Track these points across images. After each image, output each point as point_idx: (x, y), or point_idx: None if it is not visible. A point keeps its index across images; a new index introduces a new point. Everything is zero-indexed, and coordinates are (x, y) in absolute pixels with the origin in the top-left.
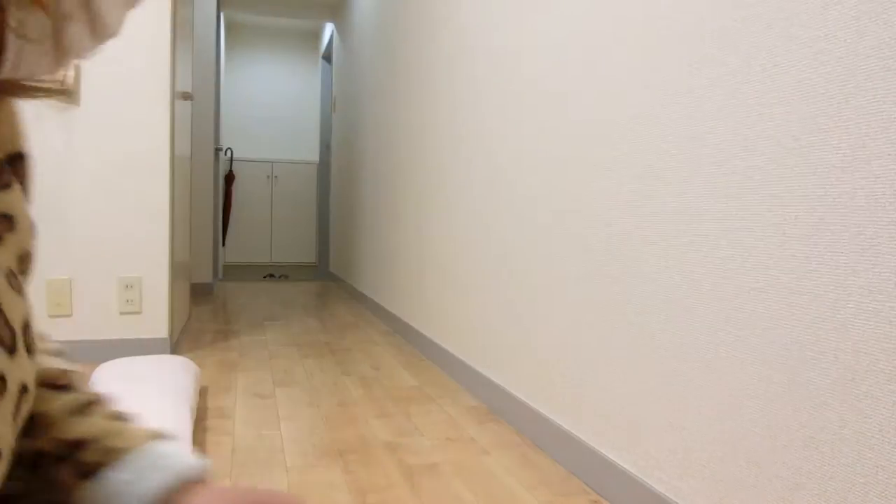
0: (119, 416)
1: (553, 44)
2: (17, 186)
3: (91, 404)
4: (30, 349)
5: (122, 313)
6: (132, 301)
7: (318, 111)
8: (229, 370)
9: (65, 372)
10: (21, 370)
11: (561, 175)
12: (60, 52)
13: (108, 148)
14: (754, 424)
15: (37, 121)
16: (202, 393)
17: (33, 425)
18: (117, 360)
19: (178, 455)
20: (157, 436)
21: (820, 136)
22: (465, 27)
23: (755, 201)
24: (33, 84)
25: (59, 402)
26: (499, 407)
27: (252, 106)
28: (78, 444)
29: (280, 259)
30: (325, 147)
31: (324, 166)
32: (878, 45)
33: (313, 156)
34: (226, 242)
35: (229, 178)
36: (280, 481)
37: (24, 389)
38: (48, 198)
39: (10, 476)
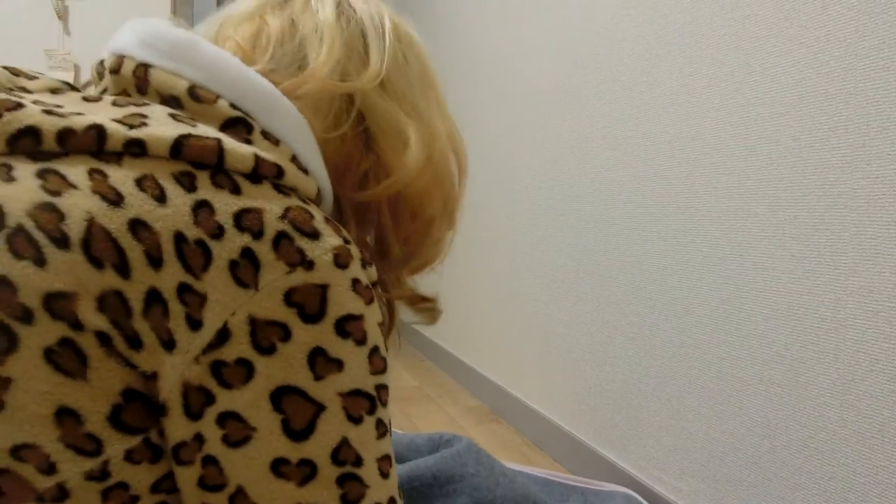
0: None
1: (552, 44)
2: None
3: None
4: None
5: None
6: None
7: None
8: None
9: None
10: None
11: (560, 174)
12: None
13: None
14: (754, 424)
15: None
16: None
17: None
18: None
19: None
20: None
21: (820, 136)
22: (464, 28)
23: (755, 201)
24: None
25: None
26: (499, 407)
27: None
28: None
29: None
30: None
31: None
32: (878, 45)
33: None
34: None
35: None
36: None
37: None
38: None
39: None
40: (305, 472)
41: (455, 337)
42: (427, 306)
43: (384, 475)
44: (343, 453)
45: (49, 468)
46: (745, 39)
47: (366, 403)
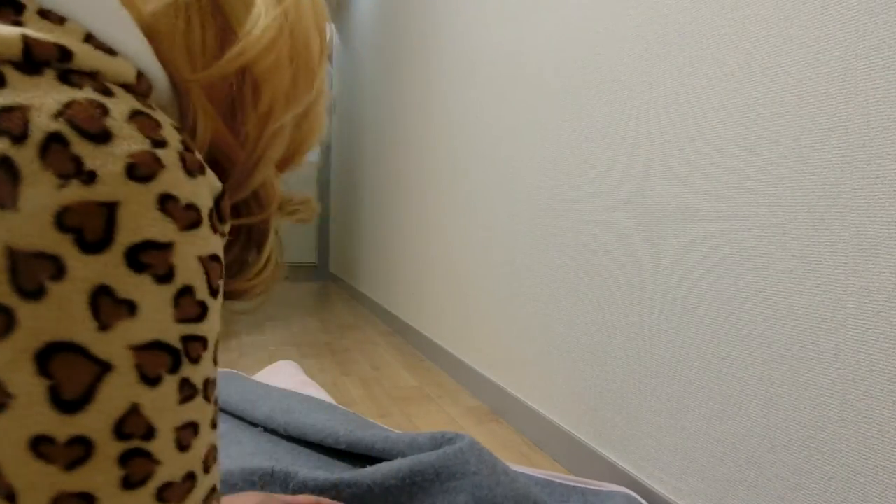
0: None
1: (553, 44)
2: None
3: None
4: None
5: None
6: None
7: None
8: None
9: None
10: None
11: (560, 174)
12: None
13: None
14: (754, 424)
15: None
16: None
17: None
18: None
19: None
20: None
21: (820, 136)
22: (465, 27)
23: (755, 201)
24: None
25: None
26: (499, 407)
27: None
28: None
29: None
30: (325, 147)
31: (324, 166)
32: (878, 45)
33: (313, 156)
34: None
35: None
36: None
37: None
38: None
39: None
40: (77, 452)
41: (455, 337)
42: (301, 205)
43: (183, 447)
44: (130, 424)
45: None
46: (745, 39)
47: (166, 359)
